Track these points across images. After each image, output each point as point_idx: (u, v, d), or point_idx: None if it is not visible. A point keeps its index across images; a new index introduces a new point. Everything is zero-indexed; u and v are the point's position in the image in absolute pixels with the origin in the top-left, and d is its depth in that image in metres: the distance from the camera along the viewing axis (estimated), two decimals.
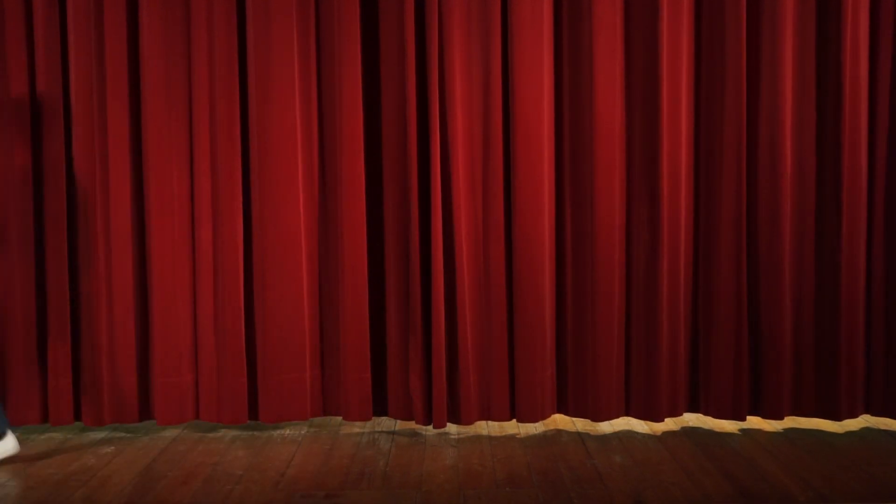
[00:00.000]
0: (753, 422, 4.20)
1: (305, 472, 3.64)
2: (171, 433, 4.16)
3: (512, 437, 4.07)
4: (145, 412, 4.17)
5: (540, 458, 3.78)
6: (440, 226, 4.02)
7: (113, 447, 3.98)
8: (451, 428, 4.20)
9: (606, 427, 4.20)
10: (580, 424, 4.24)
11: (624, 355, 4.13)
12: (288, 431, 4.17)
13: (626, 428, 4.18)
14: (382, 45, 4.10)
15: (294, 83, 4.04)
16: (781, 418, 4.11)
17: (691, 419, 4.26)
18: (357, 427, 4.24)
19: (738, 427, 4.16)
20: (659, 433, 4.11)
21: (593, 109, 4.04)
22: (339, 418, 4.31)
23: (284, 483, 3.53)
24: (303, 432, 4.16)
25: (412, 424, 4.24)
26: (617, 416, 4.14)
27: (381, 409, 4.22)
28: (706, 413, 4.15)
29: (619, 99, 4.06)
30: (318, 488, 3.47)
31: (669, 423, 4.21)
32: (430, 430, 4.18)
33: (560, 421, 4.27)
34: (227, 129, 4.05)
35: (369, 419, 4.18)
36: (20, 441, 3.98)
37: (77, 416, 4.16)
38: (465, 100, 4.04)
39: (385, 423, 4.30)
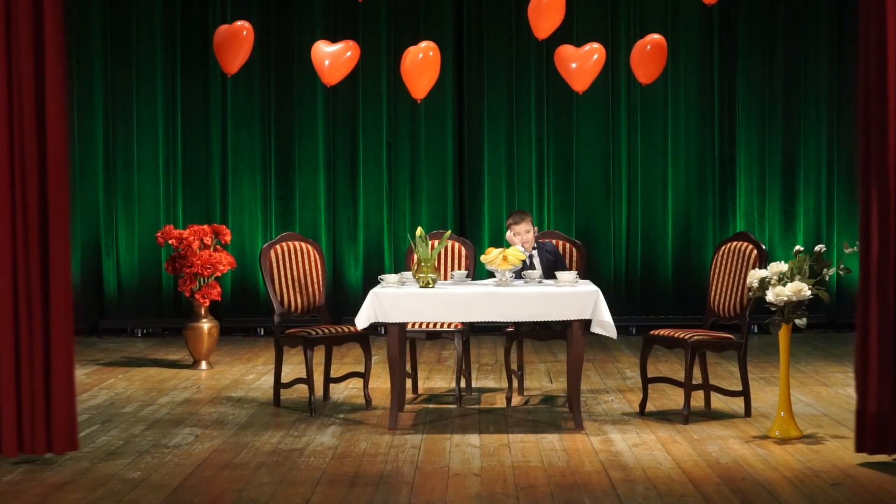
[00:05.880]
0: None
1: (330, 500, 3.64)
2: (196, 458, 4.17)
3: None
4: None
5: None
6: None
7: (139, 472, 3.98)
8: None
9: None
10: None
11: None
12: (312, 460, 4.17)
13: None
14: None
15: None
16: None
17: None
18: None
19: None
20: None
21: None
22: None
23: None
24: (327, 459, 4.16)
25: None
26: None
27: None
28: None
29: None
30: None
31: None
32: None
33: None
34: None
35: None
36: (46, 465, 4.00)
37: None
38: None
39: None
